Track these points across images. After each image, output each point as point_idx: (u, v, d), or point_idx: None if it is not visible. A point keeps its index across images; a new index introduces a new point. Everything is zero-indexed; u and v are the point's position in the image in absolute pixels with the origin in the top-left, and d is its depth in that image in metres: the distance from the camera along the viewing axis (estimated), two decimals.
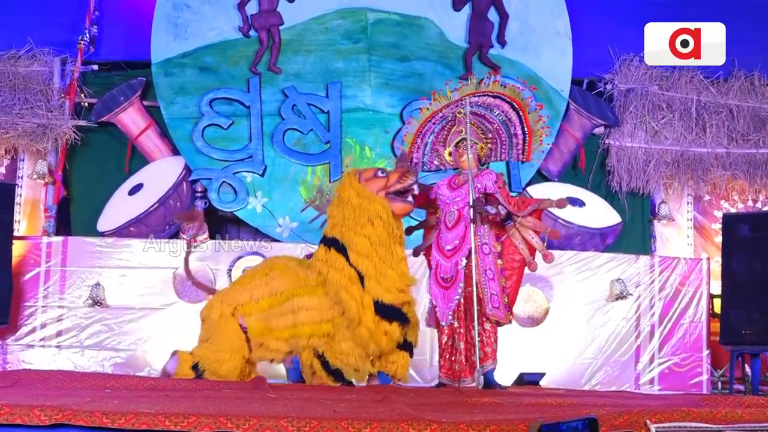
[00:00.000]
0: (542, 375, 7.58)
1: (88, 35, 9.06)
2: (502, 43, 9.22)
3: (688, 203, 9.71)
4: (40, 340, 8.03)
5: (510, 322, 6.67)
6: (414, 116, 6.97)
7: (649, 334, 8.37)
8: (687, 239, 9.61)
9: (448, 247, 6.65)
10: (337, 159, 8.89)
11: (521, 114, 6.71)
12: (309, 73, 9.05)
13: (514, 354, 7.81)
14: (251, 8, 9.02)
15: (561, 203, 6.74)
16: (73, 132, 8.91)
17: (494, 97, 6.68)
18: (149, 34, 8.94)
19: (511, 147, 6.79)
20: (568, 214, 8.54)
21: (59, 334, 8.03)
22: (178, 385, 5.91)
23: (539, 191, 8.72)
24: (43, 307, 8.07)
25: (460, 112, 6.72)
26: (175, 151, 8.93)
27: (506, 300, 6.58)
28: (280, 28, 9.03)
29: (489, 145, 6.80)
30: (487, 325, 6.52)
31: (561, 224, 8.50)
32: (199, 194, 8.78)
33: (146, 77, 9.04)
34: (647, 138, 9.46)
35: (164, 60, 8.93)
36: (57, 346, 8.00)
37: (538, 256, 6.64)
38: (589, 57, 9.47)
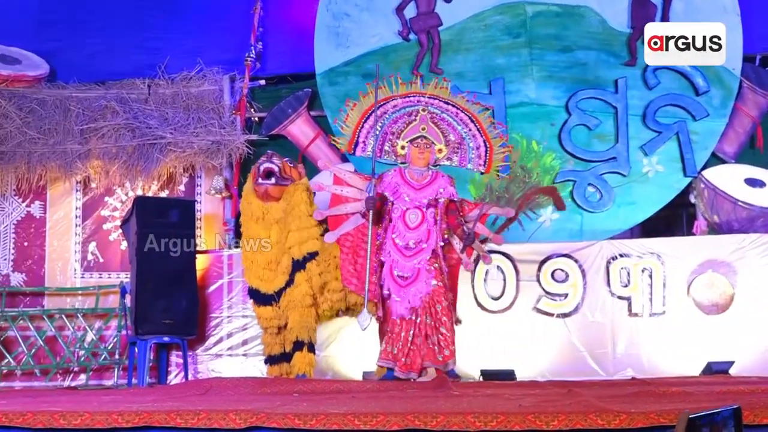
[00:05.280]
0: (731, 363, 7.29)
1: (254, 52, 9.36)
2: None
3: None
4: (228, 349, 8.30)
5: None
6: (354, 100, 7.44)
7: None
8: None
9: (411, 245, 6.86)
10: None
11: (479, 126, 7.17)
12: (471, 72, 9.04)
13: (700, 343, 7.61)
14: (410, 12, 9.10)
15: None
16: (246, 146, 9.17)
17: (453, 105, 7.12)
18: (312, 45, 9.16)
19: (476, 156, 7.25)
20: (748, 195, 8.24)
21: (245, 342, 8.26)
22: (363, 387, 6.03)
23: (715, 174, 8.50)
24: (228, 317, 8.33)
25: (424, 110, 7.08)
26: (344, 159, 9.08)
27: (451, 296, 6.92)
28: (439, 29, 9.07)
29: (446, 151, 7.13)
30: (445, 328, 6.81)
31: (741, 206, 8.20)
32: None
33: (312, 88, 9.25)
34: None
35: (328, 70, 9.12)
36: (244, 355, 8.23)
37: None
38: (761, 31, 9.03)
